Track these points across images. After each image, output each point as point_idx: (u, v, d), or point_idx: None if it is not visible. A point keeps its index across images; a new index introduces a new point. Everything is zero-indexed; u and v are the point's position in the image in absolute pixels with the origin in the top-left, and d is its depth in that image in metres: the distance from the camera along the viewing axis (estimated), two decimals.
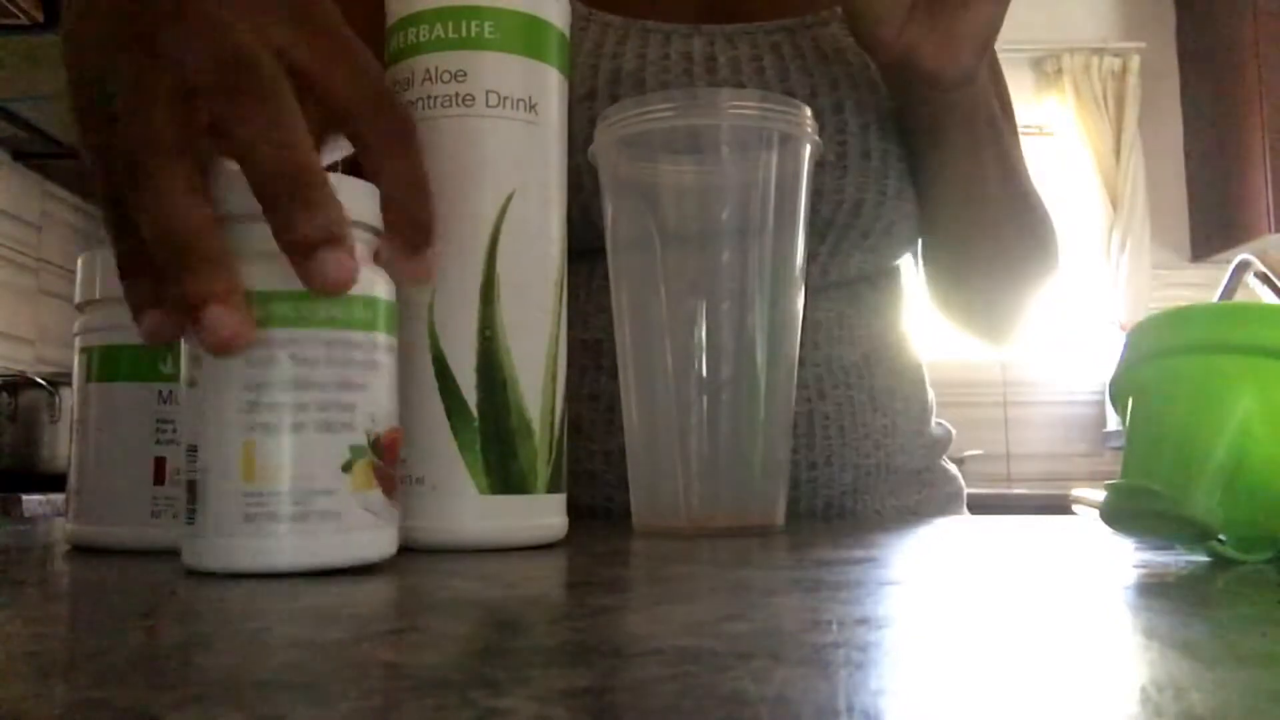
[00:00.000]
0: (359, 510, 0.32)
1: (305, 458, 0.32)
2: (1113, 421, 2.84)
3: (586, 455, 0.64)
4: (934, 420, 0.75)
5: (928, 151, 0.66)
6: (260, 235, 0.32)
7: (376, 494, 0.33)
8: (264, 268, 0.32)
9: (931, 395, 0.75)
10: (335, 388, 0.32)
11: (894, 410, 0.68)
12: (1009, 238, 0.69)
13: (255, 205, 0.31)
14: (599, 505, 0.64)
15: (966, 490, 0.77)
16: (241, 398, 0.31)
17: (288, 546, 0.31)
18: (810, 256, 0.64)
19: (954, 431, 0.78)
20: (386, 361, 0.34)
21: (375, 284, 0.34)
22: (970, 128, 0.64)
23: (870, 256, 0.67)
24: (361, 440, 0.32)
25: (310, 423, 0.32)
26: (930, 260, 0.73)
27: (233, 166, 0.32)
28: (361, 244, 0.35)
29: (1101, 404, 2.91)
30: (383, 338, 0.34)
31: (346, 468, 0.32)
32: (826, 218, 0.64)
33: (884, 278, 0.71)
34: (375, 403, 0.33)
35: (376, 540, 0.33)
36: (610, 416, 0.64)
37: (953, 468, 0.77)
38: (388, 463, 0.33)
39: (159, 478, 0.40)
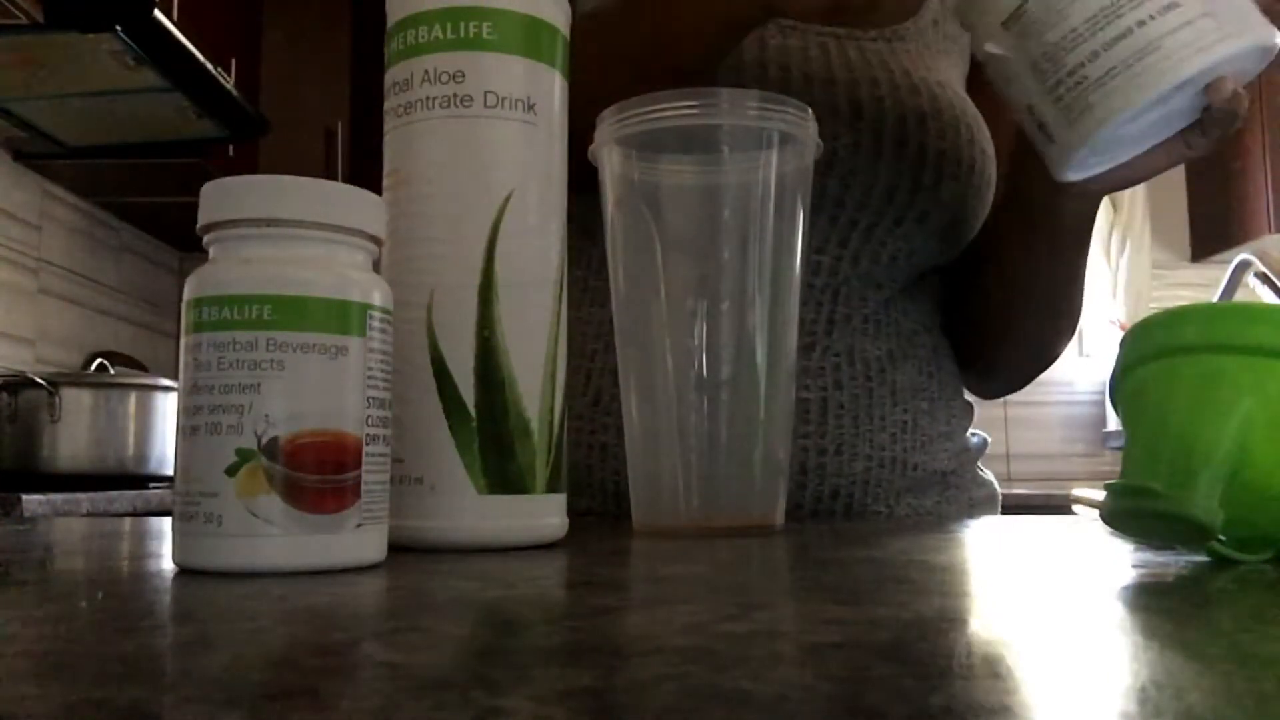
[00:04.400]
0: (244, 515, 0.32)
1: (195, 459, 0.32)
2: (1113, 421, 2.84)
3: (602, 428, 0.65)
4: (970, 430, 0.75)
5: (1023, 239, 0.69)
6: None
7: (272, 500, 0.32)
8: (196, 278, 0.34)
9: (969, 406, 0.75)
10: (222, 390, 0.32)
11: (917, 408, 0.68)
12: (1044, 336, 0.73)
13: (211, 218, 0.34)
14: (609, 480, 0.65)
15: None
16: (179, 403, 0.34)
17: (178, 545, 0.33)
18: (841, 243, 0.65)
19: (990, 439, 0.78)
20: (299, 361, 0.32)
21: (295, 282, 0.33)
22: (1063, 230, 0.67)
23: (903, 247, 0.68)
24: (250, 444, 0.32)
25: (203, 425, 0.32)
26: (968, 347, 0.75)
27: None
28: (362, 252, 0.35)
29: (1101, 404, 2.91)
30: (293, 336, 0.32)
31: (231, 471, 0.32)
32: (859, 201, 0.65)
33: (918, 283, 0.71)
34: (272, 404, 0.32)
35: (271, 548, 0.32)
36: None
37: (987, 473, 0.76)
38: (297, 468, 0.32)
39: None
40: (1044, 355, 0.75)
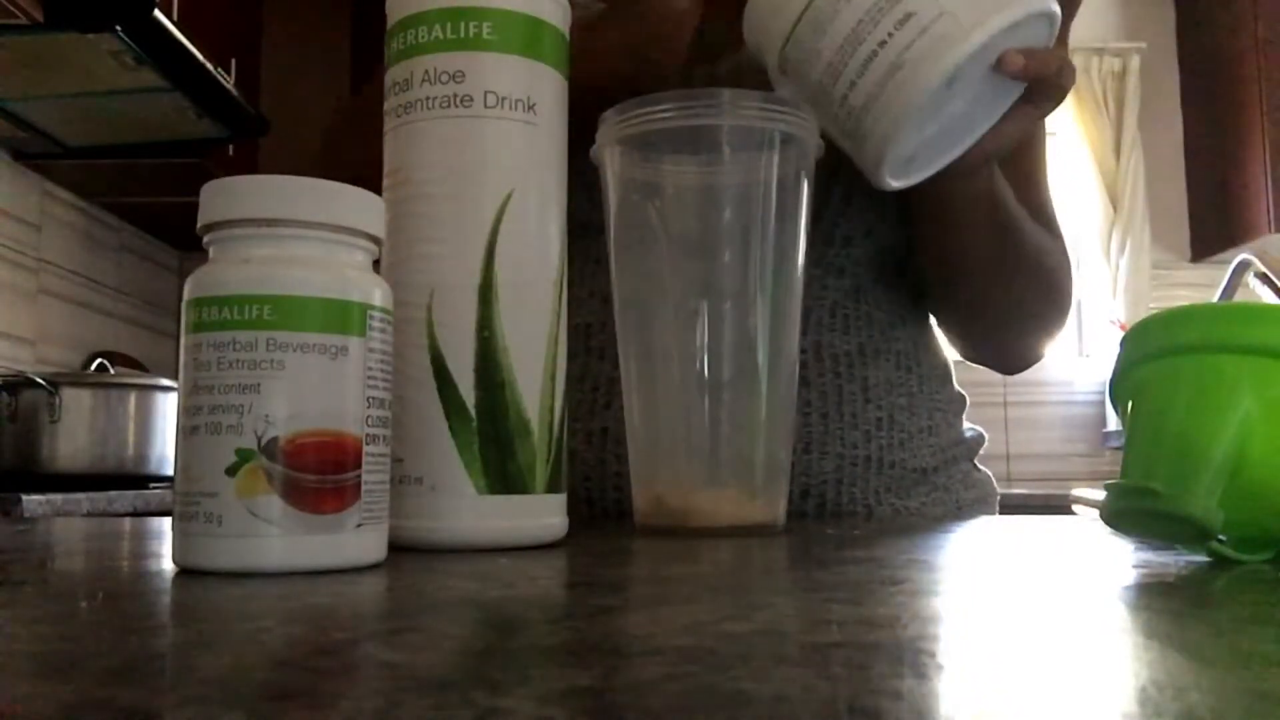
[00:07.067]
0: (245, 515, 0.32)
1: (195, 459, 0.32)
2: (1113, 421, 2.84)
3: (570, 434, 0.64)
4: (965, 424, 0.74)
5: (924, 226, 0.65)
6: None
7: (271, 500, 0.32)
8: (196, 278, 0.34)
9: (960, 397, 0.73)
10: (222, 390, 0.32)
11: (893, 404, 0.66)
12: (1013, 300, 0.69)
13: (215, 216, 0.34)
14: (578, 486, 0.65)
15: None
16: (179, 403, 0.34)
17: (178, 545, 0.33)
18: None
19: (986, 436, 0.76)
20: (299, 361, 0.32)
21: (295, 282, 0.33)
22: (969, 209, 0.62)
23: (858, 226, 0.66)
24: (250, 444, 0.32)
25: (203, 425, 0.32)
26: (938, 310, 0.72)
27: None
28: (362, 252, 0.35)
29: (1101, 404, 2.91)
30: (293, 336, 0.32)
31: (231, 471, 0.32)
32: None
33: (891, 271, 0.69)
34: (272, 404, 0.32)
35: (271, 548, 0.32)
36: (595, 398, 0.65)
37: (983, 471, 0.74)
38: (297, 468, 0.32)
39: None
40: (1028, 324, 0.71)
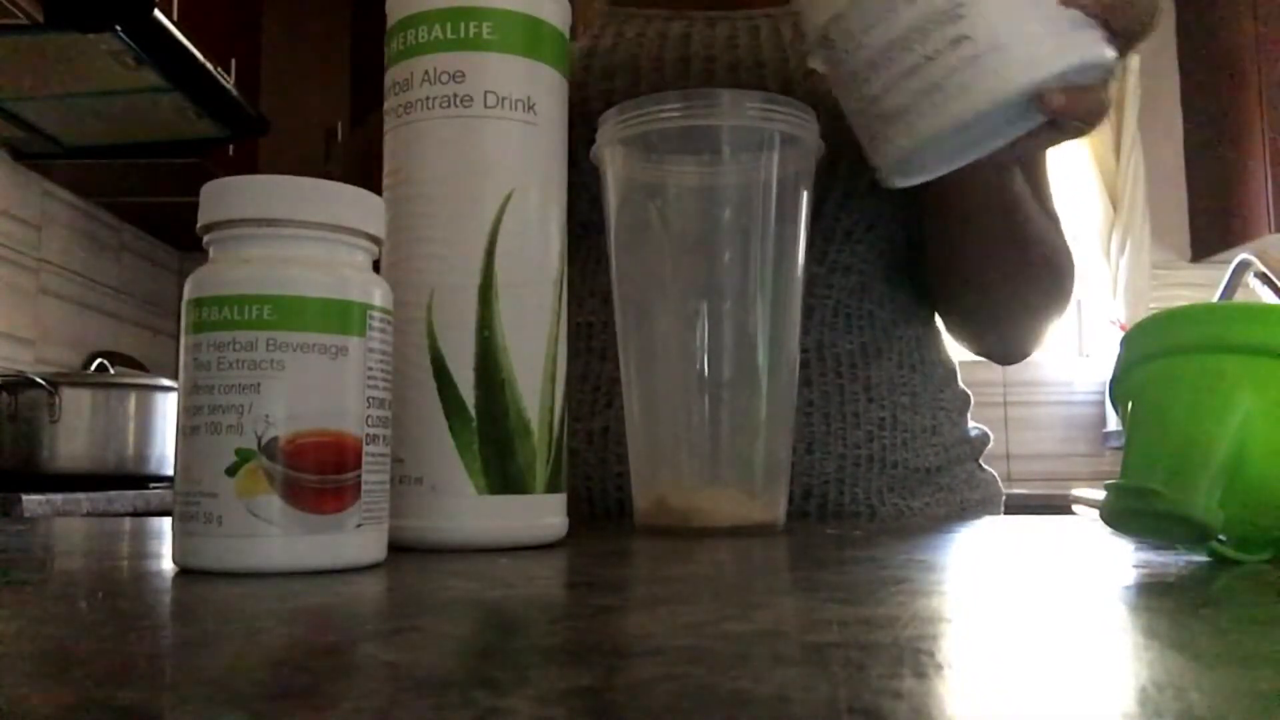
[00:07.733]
0: (245, 515, 0.32)
1: (195, 459, 0.32)
2: (1113, 421, 2.84)
3: (571, 434, 0.64)
4: (970, 424, 0.73)
5: (939, 219, 0.65)
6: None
7: (271, 500, 0.32)
8: (196, 278, 0.34)
9: (964, 396, 0.73)
10: (222, 390, 0.32)
11: (897, 404, 0.66)
12: (1021, 293, 0.68)
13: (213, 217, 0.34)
14: (579, 485, 0.65)
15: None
16: (180, 403, 0.34)
17: (178, 545, 0.33)
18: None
19: (991, 435, 0.76)
20: (299, 361, 0.32)
21: (295, 282, 0.33)
22: (987, 205, 0.62)
23: (859, 221, 0.66)
24: (250, 444, 0.32)
25: (203, 425, 0.32)
26: (943, 300, 0.72)
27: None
28: (361, 252, 0.35)
29: (1101, 404, 2.91)
30: (293, 336, 0.32)
31: (231, 471, 0.32)
32: None
33: (895, 269, 0.69)
34: (272, 404, 0.32)
35: (271, 548, 0.32)
36: (596, 397, 0.65)
37: (988, 471, 0.74)
38: (297, 468, 0.32)
39: None
40: (1035, 315, 0.70)
